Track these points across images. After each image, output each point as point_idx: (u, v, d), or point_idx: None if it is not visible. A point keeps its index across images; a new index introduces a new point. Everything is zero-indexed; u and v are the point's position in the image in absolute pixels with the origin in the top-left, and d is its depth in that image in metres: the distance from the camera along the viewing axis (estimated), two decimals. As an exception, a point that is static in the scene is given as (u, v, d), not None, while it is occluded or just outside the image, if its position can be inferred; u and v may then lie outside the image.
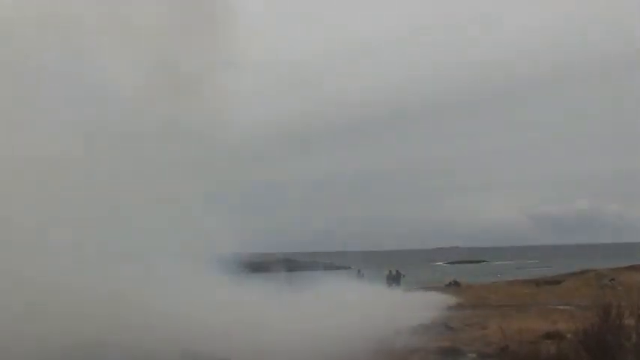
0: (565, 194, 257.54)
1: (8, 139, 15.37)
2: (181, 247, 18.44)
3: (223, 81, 19.11)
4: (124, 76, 18.02)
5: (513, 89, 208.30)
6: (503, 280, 43.35)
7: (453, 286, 38.20)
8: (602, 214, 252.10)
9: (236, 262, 21.07)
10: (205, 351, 14.57)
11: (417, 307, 23.86)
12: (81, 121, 16.99)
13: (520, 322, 18.95)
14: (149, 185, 17.87)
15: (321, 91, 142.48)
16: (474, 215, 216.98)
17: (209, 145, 19.24)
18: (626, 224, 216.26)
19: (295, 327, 16.57)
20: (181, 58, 18.64)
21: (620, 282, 31.15)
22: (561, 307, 24.26)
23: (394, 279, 36.77)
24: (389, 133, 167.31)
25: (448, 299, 28.34)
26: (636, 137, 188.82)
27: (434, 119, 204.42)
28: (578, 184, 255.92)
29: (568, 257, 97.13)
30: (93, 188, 16.57)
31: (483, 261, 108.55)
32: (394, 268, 39.40)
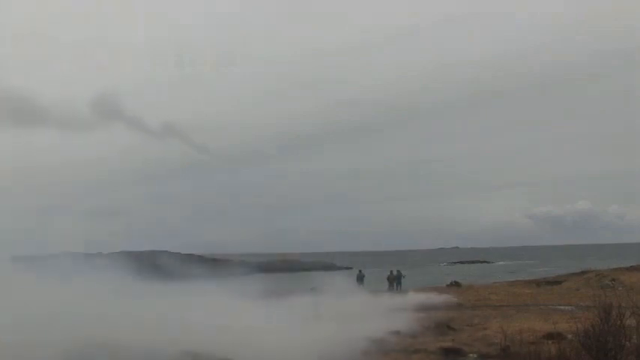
0: (565, 194, 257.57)
1: None
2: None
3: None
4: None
5: (513, 89, 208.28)
6: (503, 281, 43.36)
7: (454, 286, 38.19)
8: (603, 214, 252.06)
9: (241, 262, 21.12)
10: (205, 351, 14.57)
11: (418, 308, 23.90)
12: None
13: (521, 323, 18.96)
14: None
15: (319, 91, 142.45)
16: (474, 215, 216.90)
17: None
18: (626, 224, 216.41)
19: (295, 327, 16.58)
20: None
21: (621, 282, 31.13)
22: (562, 308, 24.29)
23: (395, 279, 36.82)
24: (388, 132, 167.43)
25: (449, 299, 28.35)
26: (636, 137, 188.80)
27: (434, 119, 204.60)
28: (579, 184, 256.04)
29: (568, 257, 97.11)
30: None
31: (484, 261, 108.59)
32: (395, 268, 39.46)
